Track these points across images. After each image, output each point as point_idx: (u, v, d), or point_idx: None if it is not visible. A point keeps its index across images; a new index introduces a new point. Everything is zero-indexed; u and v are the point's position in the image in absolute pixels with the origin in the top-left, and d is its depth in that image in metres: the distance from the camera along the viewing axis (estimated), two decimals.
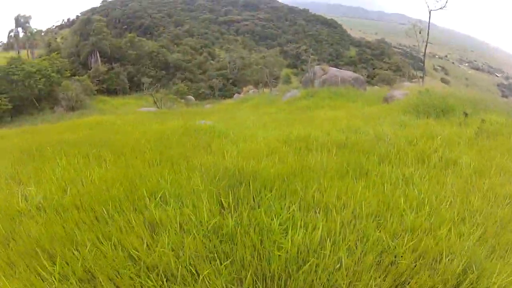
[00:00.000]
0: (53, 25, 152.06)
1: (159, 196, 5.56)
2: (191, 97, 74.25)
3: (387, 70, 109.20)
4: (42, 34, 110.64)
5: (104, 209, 5.22)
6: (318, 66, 39.92)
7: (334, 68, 39.31)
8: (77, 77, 66.72)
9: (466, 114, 13.71)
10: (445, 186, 6.44)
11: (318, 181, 6.30)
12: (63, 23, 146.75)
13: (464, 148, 9.35)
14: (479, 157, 8.49)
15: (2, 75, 51.91)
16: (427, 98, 17.72)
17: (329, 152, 8.56)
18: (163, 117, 24.21)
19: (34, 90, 52.63)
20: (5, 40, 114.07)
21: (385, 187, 6.14)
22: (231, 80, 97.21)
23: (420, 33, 42.92)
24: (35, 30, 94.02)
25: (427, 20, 41.00)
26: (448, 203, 5.57)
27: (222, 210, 5.25)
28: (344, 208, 5.31)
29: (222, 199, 5.49)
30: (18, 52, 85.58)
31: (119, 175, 6.79)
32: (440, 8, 38.24)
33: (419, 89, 23.64)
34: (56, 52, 74.51)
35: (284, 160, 7.87)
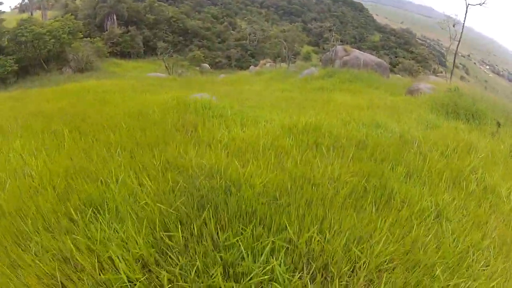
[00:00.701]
0: None
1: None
2: (206, 65, 72.85)
3: (410, 60, 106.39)
4: None
5: None
6: (341, 46, 36.91)
7: (357, 50, 36.31)
8: (89, 38, 64.64)
9: (499, 124, 12.60)
10: (485, 227, 5.12)
11: (323, 209, 4.46)
12: None
13: (503, 170, 7.79)
14: None
15: (11, 37, 50.39)
16: (457, 98, 16.15)
17: (344, 155, 6.73)
18: (166, 85, 22.76)
19: (43, 51, 50.88)
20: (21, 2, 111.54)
21: (414, 224, 4.58)
22: (249, 52, 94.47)
23: (454, 26, 40.35)
24: None
25: (453, 17, 39.10)
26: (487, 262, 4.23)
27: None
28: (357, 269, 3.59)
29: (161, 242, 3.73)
30: (31, 14, 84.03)
31: (59, 168, 5.57)
32: (478, 4, 35.27)
33: (447, 86, 21.63)
34: (70, 14, 71.82)
35: (281, 161, 6.02)
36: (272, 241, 3.62)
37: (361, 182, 5.42)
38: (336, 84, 23.99)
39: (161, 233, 3.69)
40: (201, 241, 3.66)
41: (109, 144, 6.56)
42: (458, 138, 9.35)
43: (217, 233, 3.74)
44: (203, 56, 77.21)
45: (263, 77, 34.61)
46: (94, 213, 4.17)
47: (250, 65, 67.25)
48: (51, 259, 3.51)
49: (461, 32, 33.97)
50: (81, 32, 62.14)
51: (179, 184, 4.65)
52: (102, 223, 3.92)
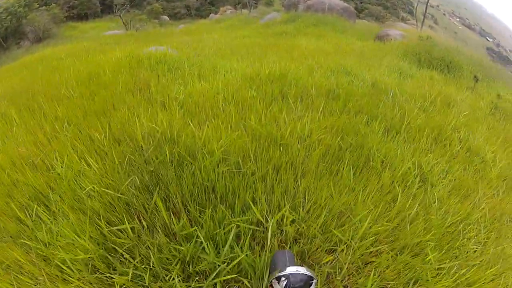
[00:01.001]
0: None
1: None
2: (165, 17, 70.20)
3: (377, 6, 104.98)
4: None
5: None
6: None
7: None
8: (45, 7, 61.96)
9: (476, 79, 12.57)
10: (473, 196, 4.64)
11: (294, 178, 3.79)
12: None
13: (485, 131, 7.25)
14: (503, 149, 6.67)
15: None
16: (430, 47, 15.61)
17: (314, 107, 6.01)
18: (123, 42, 20.90)
19: (1, 30, 48.53)
20: None
21: (397, 192, 3.95)
22: (209, 0, 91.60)
23: None
24: None
25: None
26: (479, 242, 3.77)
27: None
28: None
29: None
30: None
31: (5, 161, 4.56)
32: None
33: (418, 34, 21.25)
34: None
35: (244, 118, 5.22)
36: (237, 224, 2.92)
37: (335, 141, 4.69)
38: (299, 28, 22.83)
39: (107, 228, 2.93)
40: (154, 233, 2.94)
41: (56, 119, 5.63)
42: (435, 90, 8.79)
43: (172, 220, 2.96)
44: (162, 8, 74.69)
45: (223, 24, 32.75)
46: (41, 208, 3.40)
47: (210, 13, 65.20)
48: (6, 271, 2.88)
49: None
50: (36, 2, 59.70)
51: (126, 159, 3.83)
52: (48, 220, 3.20)
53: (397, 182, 4.18)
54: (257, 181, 3.51)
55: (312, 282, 1.80)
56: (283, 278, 1.80)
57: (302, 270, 1.77)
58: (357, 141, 4.85)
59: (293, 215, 3.09)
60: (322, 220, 3.11)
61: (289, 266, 1.85)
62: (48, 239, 2.97)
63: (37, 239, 3.03)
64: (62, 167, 3.90)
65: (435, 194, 4.23)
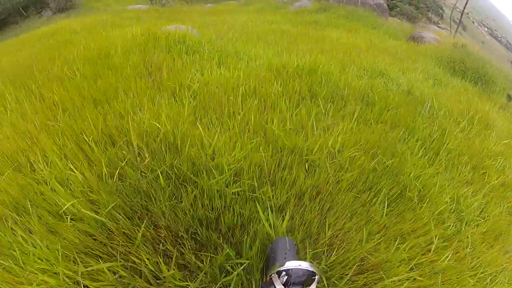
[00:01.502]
0: None
1: None
2: None
3: (408, 5, 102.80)
4: None
5: None
6: None
7: None
8: None
9: (510, 98, 12.24)
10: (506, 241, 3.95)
11: (319, 212, 3.09)
12: None
13: None
14: None
15: None
16: (465, 56, 14.75)
17: (346, 112, 5.27)
18: (144, 18, 20.43)
19: None
20: None
21: (431, 237, 3.30)
22: None
23: None
24: None
25: None
26: None
27: None
28: None
29: None
30: None
31: None
32: None
33: (452, 40, 20.04)
34: None
35: (265, 120, 4.39)
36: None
37: (370, 163, 3.96)
38: (330, 19, 21.47)
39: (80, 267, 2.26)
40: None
41: (53, 105, 4.78)
42: (473, 107, 7.97)
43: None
44: None
45: (251, 7, 30.73)
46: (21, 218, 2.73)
47: None
48: None
49: None
50: None
51: (118, 170, 3.04)
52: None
53: (433, 220, 3.50)
54: (274, 211, 2.75)
55: (314, 278, 1.69)
56: (283, 273, 1.68)
57: (305, 265, 1.66)
58: (393, 164, 4.12)
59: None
60: (348, 277, 2.46)
61: (289, 257, 1.79)
62: (24, 259, 2.34)
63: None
64: (43, 170, 3.15)
65: (469, 237, 3.60)
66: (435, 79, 10.38)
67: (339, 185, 3.38)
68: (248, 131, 3.98)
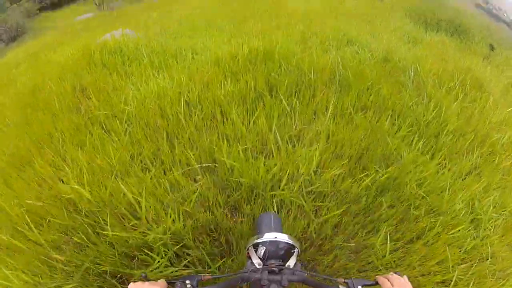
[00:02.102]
0: None
1: None
2: None
3: None
4: None
5: None
6: None
7: None
8: (14, 4, 59.96)
9: (492, 48, 11.34)
10: None
11: None
12: None
13: None
14: None
15: None
16: (436, 6, 13.91)
17: (317, 104, 4.22)
18: (93, 26, 19.33)
19: None
20: None
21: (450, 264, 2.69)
22: None
23: None
24: None
25: None
26: None
27: None
28: None
29: None
30: None
31: None
32: None
33: None
34: None
35: (213, 142, 3.39)
36: None
37: (359, 181, 3.04)
38: None
39: None
40: None
41: None
42: (459, 65, 7.11)
43: None
44: None
45: None
46: None
47: None
48: None
49: None
50: (8, 1, 57.47)
51: None
52: None
53: (449, 244, 2.84)
54: None
55: (294, 252, 1.58)
56: (260, 246, 1.56)
57: (282, 237, 1.56)
58: (389, 174, 3.12)
59: None
60: None
61: (270, 230, 1.70)
62: None
63: None
64: None
65: (488, 245, 3.06)
66: (409, 37, 9.41)
67: (322, 231, 2.36)
68: (192, 169, 2.98)
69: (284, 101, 3.94)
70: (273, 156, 3.09)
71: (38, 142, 4.15)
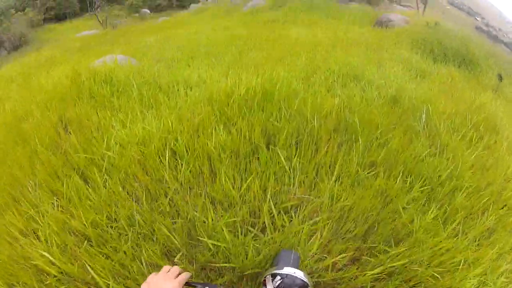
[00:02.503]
0: None
1: None
2: (146, 10, 68.15)
3: None
4: None
5: None
6: None
7: None
8: (20, 13, 60.16)
9: (501, 78, 10.55)
10: None
11: None
12: None
13: None
14: None
15: None
16: (443, 36, 13.23)
17: (320, 160, 3.69)
18: (92, 43, 20.65)
19: None
20: None
21: None
22: None
23: None
24: None
25: None
26: None
27: None
28: None
29: None
30: None
31: None
32: None
33: (423, 19, 18.22)
34: None
35: (198, 220, 2.86)
36: None
37: (368, 272, 2.55)
38: (289, 15, 19.83)
39: None
40: None
41: None
42: (472, 105, 6.58)
43: None
44: (142, 1, 72.72)
45: (204, 14, 29.54)
46: None
47: (191, 4, 62.81)
48: None
49: None
50: (12, 8, 57.67)
51: None
52: None
53: None
54: None
55: None
56: (278, 277, 1.63)
57: (300, 274, 1.63)
58: (403, 257, 2.66)
59: None
60: None
61: (289, 265, 1.74)
62: None
63: None
64: None
65: None
66: (417, 69, 8.94)
67: None
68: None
69: (282, 158, 3.45)
70: (266, 232, 2.62)
71: (12, 185, 3.88)
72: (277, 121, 4.20)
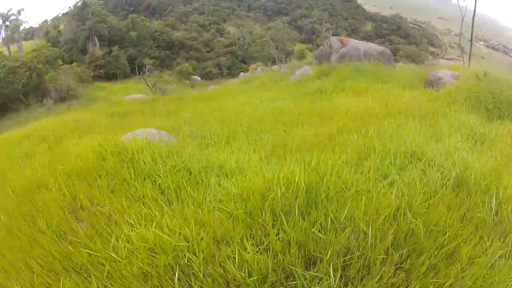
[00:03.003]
0: (59, 13, 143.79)
1: None
2: (197, 77, 70.19)
3: (407, 45, 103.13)
4: (48, 22, 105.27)
5: None
6: (335, 37, 30.32)
7: (355, 40, 29.90)
8: (67, 65, 62.40)
9: None
10: None
11: None
12: (69, 10, 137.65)
13: None
14: None
15: None
16: (494, 88, 12.11)
17: None
18: (137, 108, 20.80)
19: (18, 85, 47.51)
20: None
21: None
22: (239, 58, 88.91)
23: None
24: (22, 22, 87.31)
25: None
26: None
27: None
28: None
29: None
30: (8, 48, 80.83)
31: None
32: None
33: (470, 70, 16.71)
34: (46, 41, 70.43)
35: None
36: None
37: None
38: (336, 83, 19.05)
39: None
40: None
41: None
42: None
43: None
44: (192, 68, 74.44)
45: (252, 84, 29.95)
46: None
47: (240, 72, 63.48)
48: None
49: (474, 12, 27.44)
50: (60, 59, 61.07)
51: None
52: None
53: None
54: None
55: None
56: None
57: None
58: None
59: None
60: None
61: None
62: None
63: None
64: None
65: None
66: (475, 135, 8.16)
67: None
68: None
69: None
70: None
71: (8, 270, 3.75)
72: (322, 231, 3.48)
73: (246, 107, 15.22)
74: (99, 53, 73.76)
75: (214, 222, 3.88)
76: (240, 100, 18.45)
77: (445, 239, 3.57)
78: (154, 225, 3.87)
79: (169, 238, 3.55)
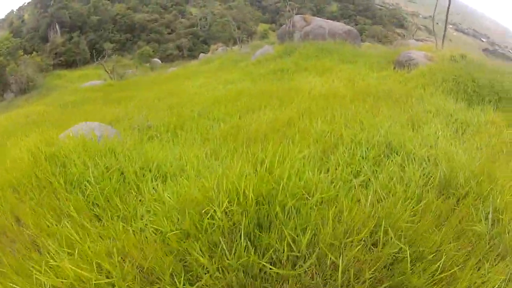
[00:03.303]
0: (24, 2, 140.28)
1: None
2: (157, 59, 68.82)
3: (372, 25, 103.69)
4: (14, 12, 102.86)
5: None
6: (299, 15, 29.18)
7: (319, 18, 29.68)
8: (30, 55, 59.40)
9: None
10: None
11: None
12: None
13: None
14: None
15: None
16: (474, 71, 11.44)
17: None
18: (93, 96, 19.99)
19: None
20: None
21: None
22: (201, 38, 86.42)
23: None
24: None
25: None
26: None
27: None
28: None
29: None
30: None
31: None
32: None
33: (446, 52, 15.94)
34: (9, 32, 68.07)
35: None
36: None
37: None
38: (299, 62, 18.25)
39: None
40: None
41: None
42: None
43: None
44: (153, 51, 73.08)
45: (211, 65, 28.78)
46: None
47: (200, 53, 62.46)
48: None
49: None
50: (21, 49, 58.84)
51: None
52: None
53: None
54: None
55: None
56: None
57: None
58: None
59: None
60: None
61: None
62: None
63: None
64: None
65: None
66: (455, 122, 7.43)
67: None
68: None
69: None
70: None
71: None
72: (274, 264, 2.51)
73: (201, 90, 14.55)
74: (60, 40, 71.95)
75: (142, 249, 2.96)
76: (197, 82, 17.79)
77: (439, 265, 2.71)
78: (76, 253, 3.05)
79: (88, 274, 2.74)
